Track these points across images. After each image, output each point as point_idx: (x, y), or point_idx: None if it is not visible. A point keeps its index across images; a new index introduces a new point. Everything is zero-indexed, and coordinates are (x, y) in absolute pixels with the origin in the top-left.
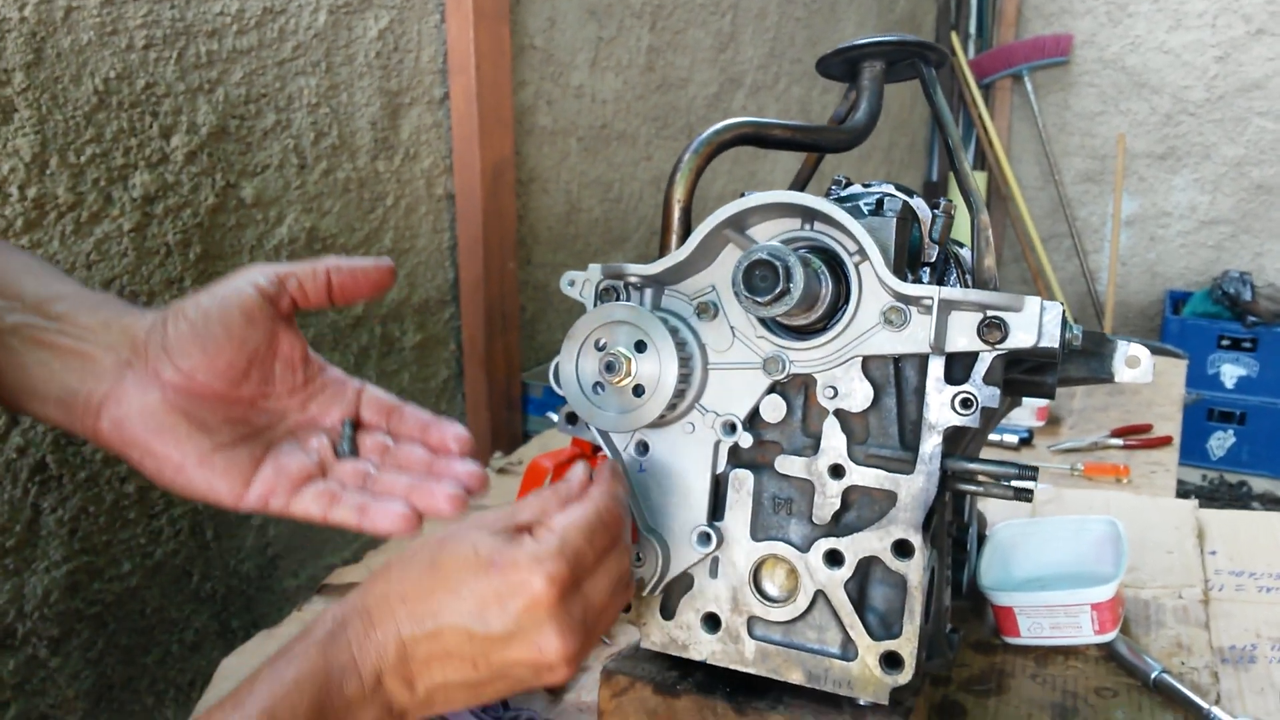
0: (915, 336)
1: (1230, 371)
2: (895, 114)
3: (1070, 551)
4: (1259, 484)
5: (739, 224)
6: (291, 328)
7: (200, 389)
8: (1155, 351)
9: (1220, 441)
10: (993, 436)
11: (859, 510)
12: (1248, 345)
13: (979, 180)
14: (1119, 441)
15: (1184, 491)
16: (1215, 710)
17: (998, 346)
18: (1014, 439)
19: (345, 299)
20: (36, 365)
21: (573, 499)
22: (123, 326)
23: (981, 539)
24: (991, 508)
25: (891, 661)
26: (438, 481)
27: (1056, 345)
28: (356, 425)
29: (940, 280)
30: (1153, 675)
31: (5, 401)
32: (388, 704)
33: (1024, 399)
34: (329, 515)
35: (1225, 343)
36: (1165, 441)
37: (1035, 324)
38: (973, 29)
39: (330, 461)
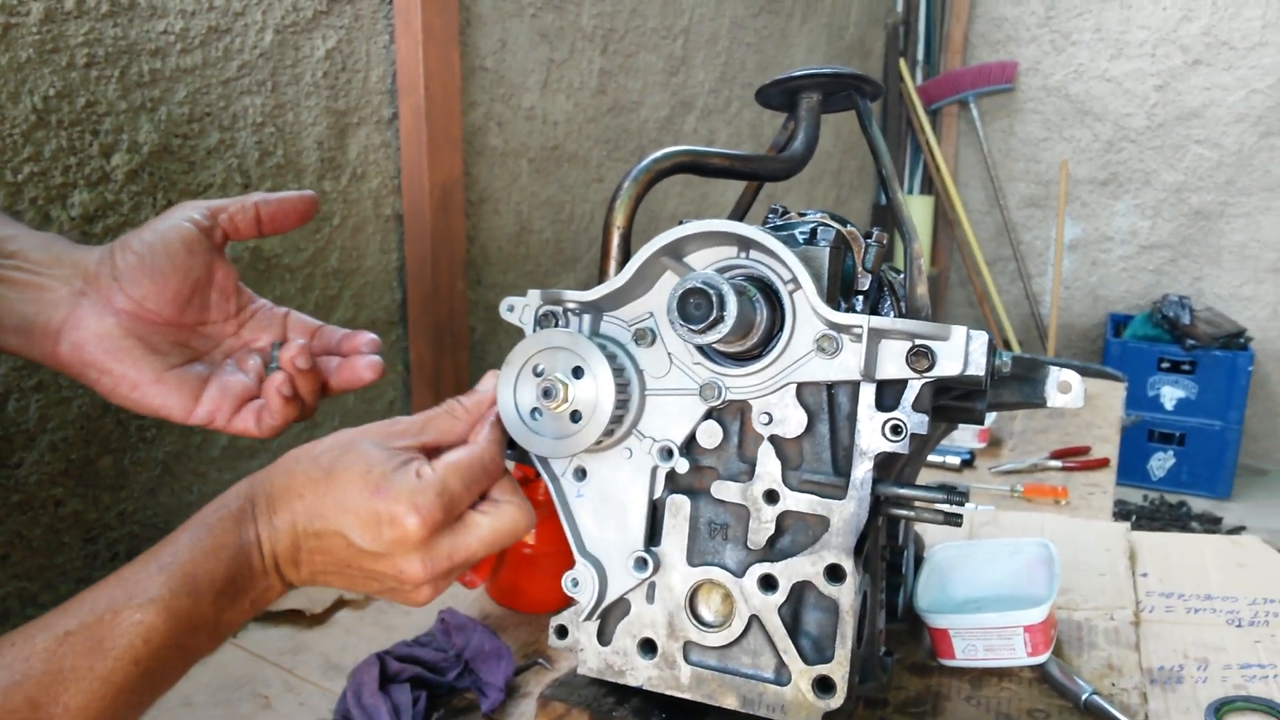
0: (847, 364)
1: (1170, 393)
2: (845, 138)
3: (1005, 574)
4: (1198, 504)
5: (676, 251)
6: (225, 259)
7: (150, 315)
8: (1094, 374)
9: (1160, 462)
10: (934, 458)
11: (793, 535)
12: (1187, 368)
13: (926, 204)
14: (1058, 463)
15: (1125, 512)
16: None
17: (925, 374)
18: (956, 460)
19: (274, 229)
20: None
21: (478, 420)
22: (73, 260)
23: (919, 561)
24: (930, 529)
25: (824, 686)
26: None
27: (982, 374)
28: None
29: (874, 308)
30: (1084, 697)
31: None
32: (281, 577)
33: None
34: (260, 428)
35: (1165, 365)
36: (1103, 464)
37: (961, 353)
38: (920, 56)
39: (263, 379)
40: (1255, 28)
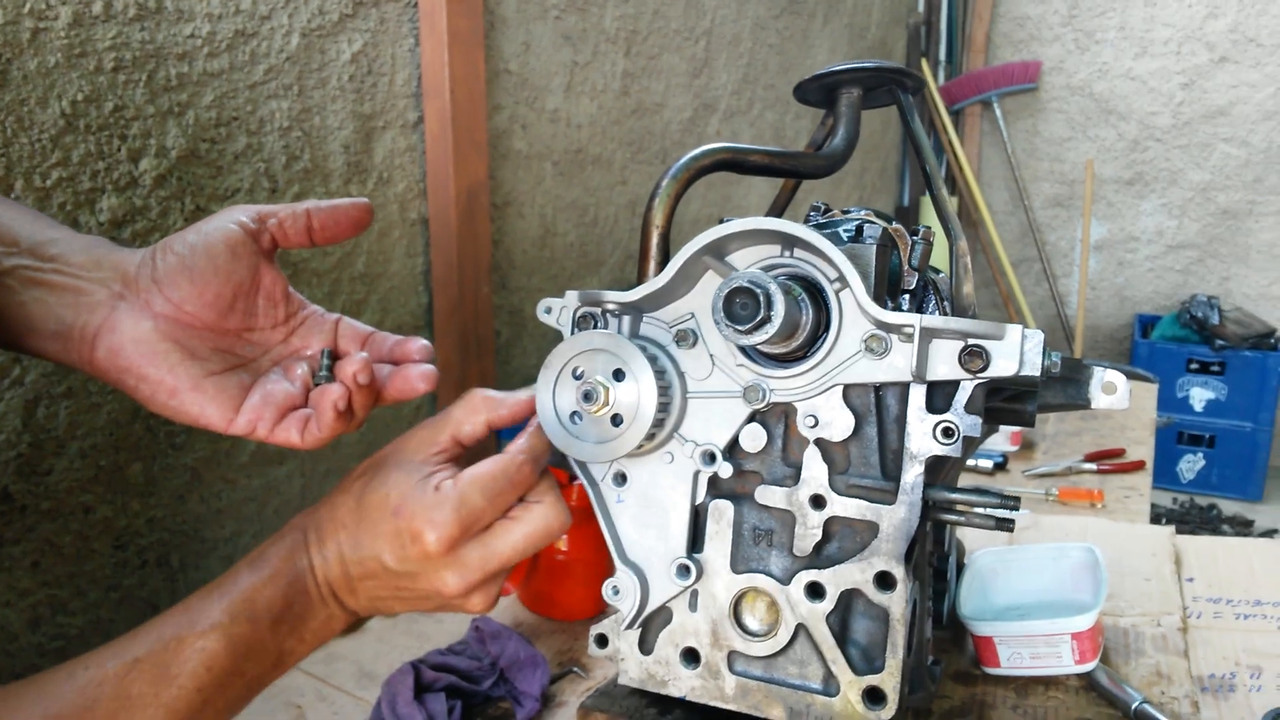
0: (896, 365)
1: (1199, 395)
2: (867, 139)
3: (1049, 579)
4: (1228, 506)
5: (718, 251)
6: (273, 265)
7: (189, 319)
8: (1126, 375)
9: (1190, 464)
10: (967, 461)
11: (840, 541)
12: (1216, 369)
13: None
14: (1092, 466)
15: (1155, 515)
16: None
17: (979, 375)
18: (988, 464)
19: (325, 238)
20: (33, 303)
21: (499, 415)
22: (113, 262)
23: (960, 567)
24: (970, 534)
25: (874, 696)
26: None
27: (1038, 374)
28: (335, 355)
29: (919, 307)
30: (1134, 706)
31: (7, 341)
32: (342, 605)
33: None
34: (304, 440)
35: (1194, 366)
36: (1138, 466)
37: (1017, 352)
38: (943, 56)
39: (310, 389)
40: None
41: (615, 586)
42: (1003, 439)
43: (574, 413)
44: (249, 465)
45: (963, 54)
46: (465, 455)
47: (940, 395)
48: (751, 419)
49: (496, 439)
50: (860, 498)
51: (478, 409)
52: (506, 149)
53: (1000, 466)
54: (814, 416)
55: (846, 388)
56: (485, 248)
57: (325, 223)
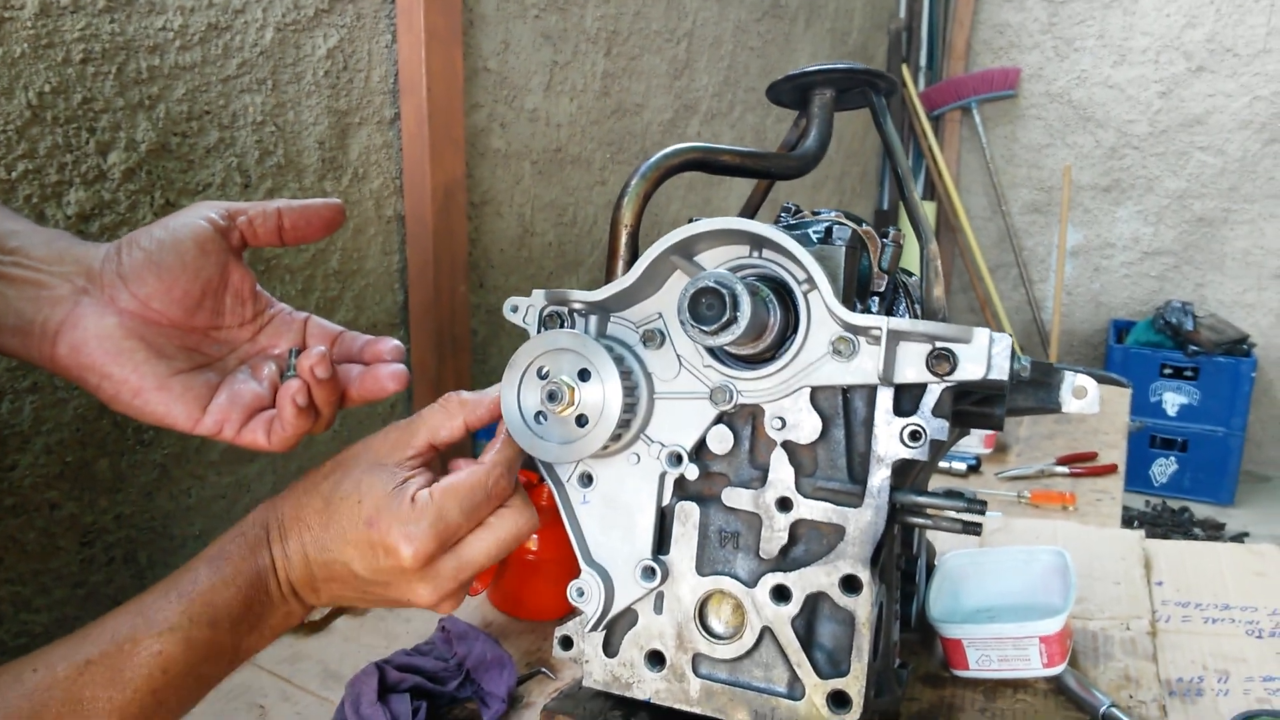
0: (863, 367)
1: (1172, 399)
2: (847, 143)
3: (1019, 582)
4: (1200, 510)
5: (686, 250)
6: (241, 263)
7: (156, 316)
8: (1100, 380)
9: (1163, 468)
10: (941, 463)
11: (807, 544)
12: (1189, 374)
13: (928, 210)
14: (1065, 469)
15: (1128, 518)
16: None
17: (946, 378)
18: (962, 466)
19: (296, 238)
20: None
21: (477, 416)
22: (76, 256)
23: (930, 569)
24: (940, 536)
25: (839, 701)
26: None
27: (1005, 378)
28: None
29: (889, 310)
30: (1101, 710)
31: None
32: (301, 601)
33: None
34: (271, 441)
35: (1168, 371)
36: (1110, 470)
37: (984, 356)
38: (923, 62)
39: (278, 387)
40: (1259, 34)
41: (580, 588)
42: (976, 441)
43: (539, 412)
44: (219, 462)
45: (943, 60)
46: (439, 456)
47: (908, 398)
48: (719, 420)
49: (473, 439)
50: (827, 500)
51: (454, 412)
52: (485, 147)
53: (974, 469)
54: (781, 418)
55: (814, 390)
56: (462, 246)
57: (296, 222)
